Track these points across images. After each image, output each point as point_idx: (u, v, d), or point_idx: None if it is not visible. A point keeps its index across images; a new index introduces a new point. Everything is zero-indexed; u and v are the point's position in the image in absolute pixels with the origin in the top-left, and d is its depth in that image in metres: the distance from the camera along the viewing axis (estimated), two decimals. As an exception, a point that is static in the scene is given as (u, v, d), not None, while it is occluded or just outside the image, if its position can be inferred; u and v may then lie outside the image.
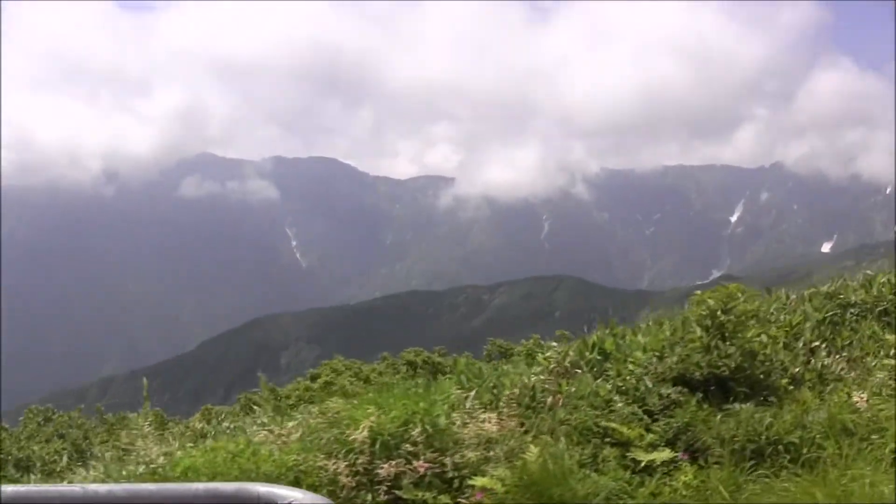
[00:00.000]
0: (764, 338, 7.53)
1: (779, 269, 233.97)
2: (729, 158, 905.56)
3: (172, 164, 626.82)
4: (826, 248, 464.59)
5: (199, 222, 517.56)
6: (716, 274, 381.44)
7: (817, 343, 8.42)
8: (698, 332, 7.43)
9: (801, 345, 8.31)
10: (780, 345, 7.99)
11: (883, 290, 10.07)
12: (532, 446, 5.93)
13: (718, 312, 7.34)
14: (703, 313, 7.43)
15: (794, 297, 10.40)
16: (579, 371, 7.79)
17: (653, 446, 6.23)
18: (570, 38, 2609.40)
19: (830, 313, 9.43)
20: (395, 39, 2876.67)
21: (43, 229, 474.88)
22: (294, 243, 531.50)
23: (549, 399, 6.99)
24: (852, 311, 9.62)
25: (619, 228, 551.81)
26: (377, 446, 5.78)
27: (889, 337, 8.74)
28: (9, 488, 2.12)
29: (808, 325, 8.92)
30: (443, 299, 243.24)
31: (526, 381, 7.39)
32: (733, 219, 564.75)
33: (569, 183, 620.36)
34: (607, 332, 8.75)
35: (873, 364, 8.06)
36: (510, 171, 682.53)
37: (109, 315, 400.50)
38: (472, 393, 7.18)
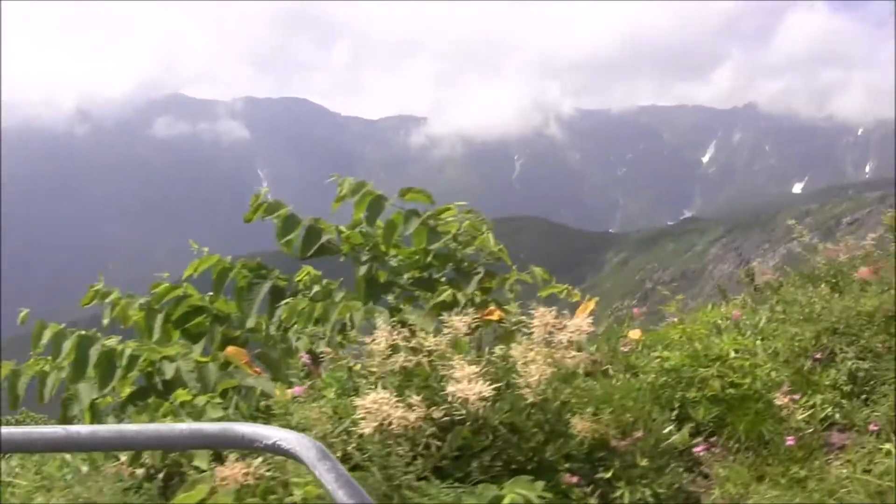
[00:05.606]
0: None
1: (749, 210, 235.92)
2: (705, 98, 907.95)
3: (145, 104, 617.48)
4: (797, 188, 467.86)
5: (172, 162, 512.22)
6: (686, 214, 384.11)
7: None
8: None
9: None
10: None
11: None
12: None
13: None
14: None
15: None
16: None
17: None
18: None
19: None
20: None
21: (16, 169, 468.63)
22: (265, 184, 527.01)
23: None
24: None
25: (591, 168, 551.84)
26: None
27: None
28: None
29: None
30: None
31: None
32: (705, 159, 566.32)
33: (543, 123, 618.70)
34: None
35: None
36: (484, 110, 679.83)
37: (83, 253, 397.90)
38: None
